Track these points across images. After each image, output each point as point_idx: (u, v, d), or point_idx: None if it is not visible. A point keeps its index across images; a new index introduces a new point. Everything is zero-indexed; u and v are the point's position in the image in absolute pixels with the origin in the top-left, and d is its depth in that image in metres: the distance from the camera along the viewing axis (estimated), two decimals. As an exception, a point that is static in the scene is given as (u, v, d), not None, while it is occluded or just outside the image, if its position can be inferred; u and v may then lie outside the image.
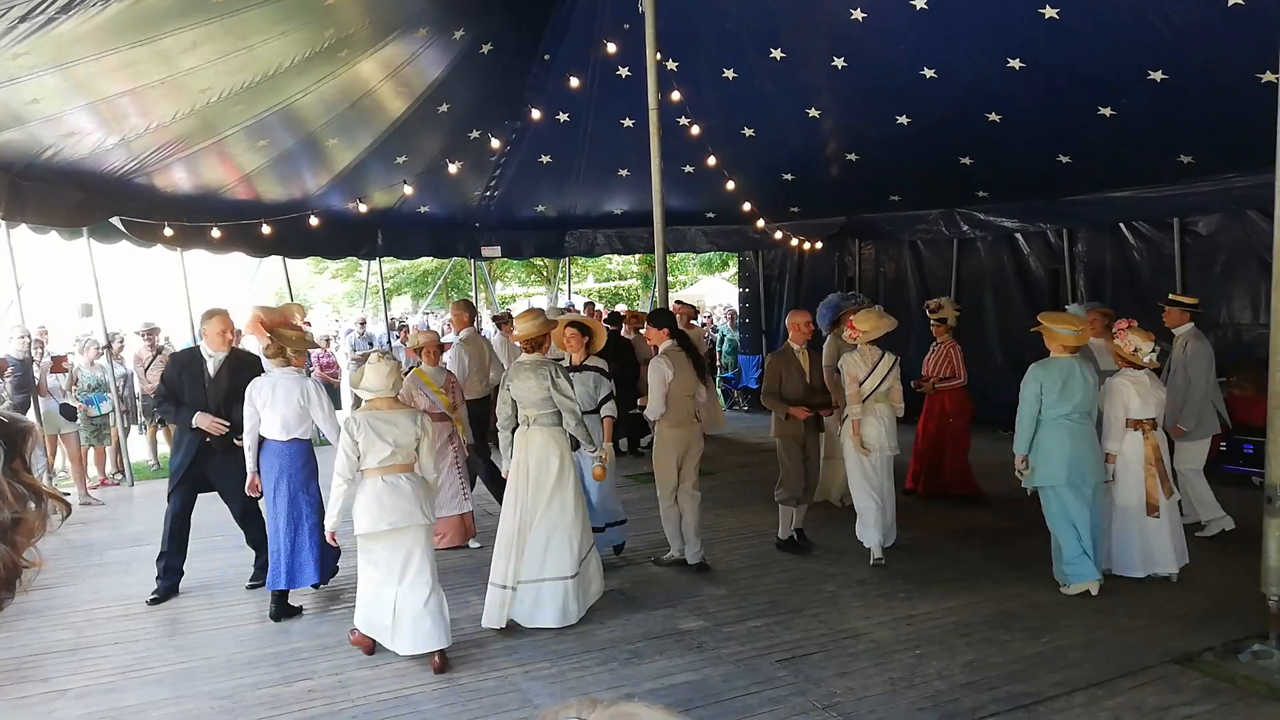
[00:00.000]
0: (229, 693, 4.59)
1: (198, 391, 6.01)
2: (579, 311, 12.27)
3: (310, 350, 8.02)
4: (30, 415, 8.49)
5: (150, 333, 11.21)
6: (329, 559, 5.91)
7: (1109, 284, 10.25)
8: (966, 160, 9.41)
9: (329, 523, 4.95)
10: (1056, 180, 9.48)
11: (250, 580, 6.30)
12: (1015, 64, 7.19)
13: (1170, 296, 7.27)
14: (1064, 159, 8.75)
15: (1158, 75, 6.76)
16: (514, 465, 5.49)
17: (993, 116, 8.17)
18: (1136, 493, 5.80)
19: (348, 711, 4.34)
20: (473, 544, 7.08)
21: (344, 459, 4.82)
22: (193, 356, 6.21)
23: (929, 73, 7.81)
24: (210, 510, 6.41)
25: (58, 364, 9.39)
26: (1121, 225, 10.03)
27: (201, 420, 5.90)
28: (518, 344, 5.87)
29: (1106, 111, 7.50)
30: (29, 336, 8.73)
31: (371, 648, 5.01)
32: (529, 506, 5.37)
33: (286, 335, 5.81)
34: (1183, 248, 9.42)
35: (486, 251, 13.95)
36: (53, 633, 5.50)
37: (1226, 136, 7.52)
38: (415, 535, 4.84)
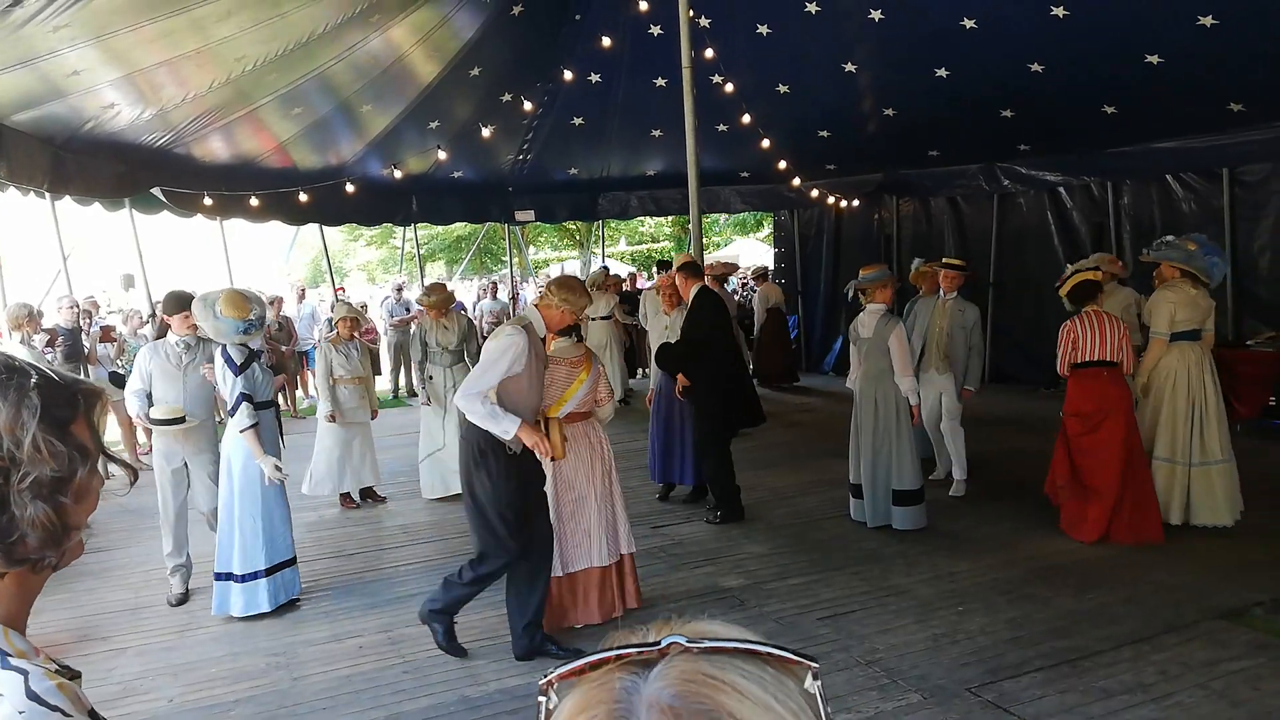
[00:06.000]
0: (283, 649, 4.72)
1: None
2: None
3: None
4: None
5: (193, 302, 11.36)
6: None
7: (1156, 237, 10.02)
8: (1007, 113, 9.20)
9: None
10: (1101, 132, 9.25)
11: None
12: (1059, 12, 6.99)
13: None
14: (1109, 109, 8.53)
15: (1207, 20, 6.55)
16: None
17: (1035, 67, 7.97)
18: None
19: (398, 666, 4.45)
20: None
21: None
22: None
23: (969, 23, 7.63)
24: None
25: (106, 333, 9.59)
26: (1168, 177, 9.77)
27: None
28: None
29: (1154, 59, 7.28)
30: (78, 306, 8.91)
31: None
32: None
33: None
34: (1232, 199, 9.17)
35: (520, 216, 13.95)
36: (111, 593, 5.69)
37: (1278, 83, 7.28)
38: None
